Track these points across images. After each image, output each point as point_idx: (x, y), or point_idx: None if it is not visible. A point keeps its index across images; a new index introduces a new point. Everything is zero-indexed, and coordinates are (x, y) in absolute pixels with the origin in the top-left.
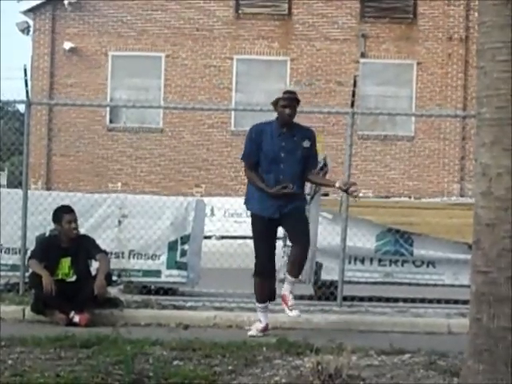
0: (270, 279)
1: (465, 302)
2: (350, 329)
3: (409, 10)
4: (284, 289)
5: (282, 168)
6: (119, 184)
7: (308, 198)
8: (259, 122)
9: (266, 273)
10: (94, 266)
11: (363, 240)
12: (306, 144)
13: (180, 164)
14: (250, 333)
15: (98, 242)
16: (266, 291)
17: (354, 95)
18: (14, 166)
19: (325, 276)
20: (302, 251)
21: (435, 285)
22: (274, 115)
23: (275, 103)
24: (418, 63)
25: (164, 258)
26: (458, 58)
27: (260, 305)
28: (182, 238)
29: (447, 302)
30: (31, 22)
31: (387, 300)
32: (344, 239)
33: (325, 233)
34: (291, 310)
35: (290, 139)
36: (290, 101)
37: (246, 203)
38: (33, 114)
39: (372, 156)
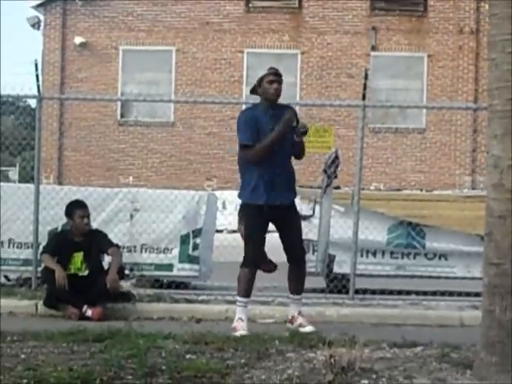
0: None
1: (477, 295)
2: (362, 322)
3: (419, 3)
4: (292, 309)
5: (277, 150)
6: (131, 178)
7: (320, 190)
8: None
9: (258, 262)
10: (107, 260)
11: (375, 233)
12: (294, 123)
13: (191, 158)
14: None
15: (110, 236)
16: (252, 283)
17: (365, 88)
18: (25, 160)
19: (337, 269)
20: (302, 267)
21: (447, 277)
22: None
23: (259, 82)
24: (429, 56)
25: (176, 251)
26: (469, 51)
27: (244, 299)
28: (193, 231)
29: (459, 294)
30: (42, 17)
31: (399, 293)
32: (356, 232)
33: (336, 226)
34: (305, 326)
35: (279, 120)
36: (276, 76)
37: (241, 195)
38: (44, 108)
39: (383, 149)
